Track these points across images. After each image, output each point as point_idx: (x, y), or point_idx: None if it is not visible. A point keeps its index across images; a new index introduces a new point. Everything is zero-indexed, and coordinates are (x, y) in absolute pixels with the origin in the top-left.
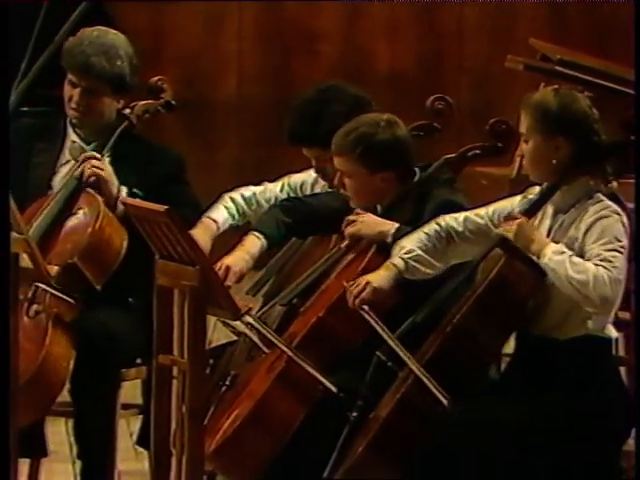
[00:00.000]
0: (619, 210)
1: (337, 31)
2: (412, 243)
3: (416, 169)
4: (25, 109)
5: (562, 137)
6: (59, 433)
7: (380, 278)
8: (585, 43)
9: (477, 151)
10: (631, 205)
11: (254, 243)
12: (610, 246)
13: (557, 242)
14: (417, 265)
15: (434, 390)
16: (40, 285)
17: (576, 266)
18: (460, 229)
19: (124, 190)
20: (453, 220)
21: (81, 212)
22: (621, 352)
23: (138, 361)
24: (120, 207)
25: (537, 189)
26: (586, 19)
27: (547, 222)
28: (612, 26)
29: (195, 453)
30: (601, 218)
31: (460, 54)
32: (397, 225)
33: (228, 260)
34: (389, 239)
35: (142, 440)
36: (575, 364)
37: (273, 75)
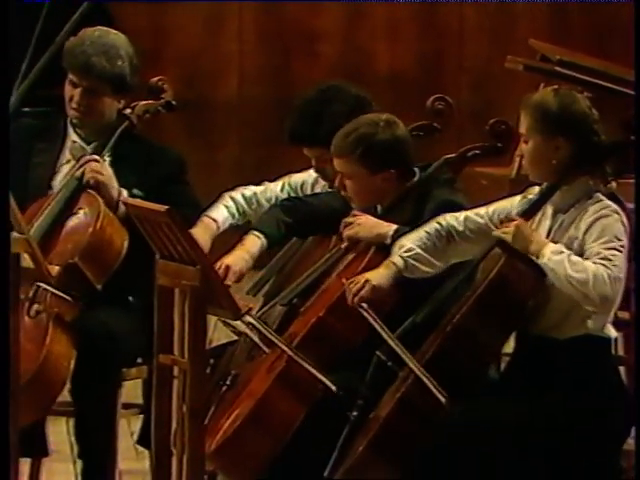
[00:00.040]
0: (618, 210)
1: (337, 31)
2: (412, 242)
3: (416, 169)
4: (26, 109)
5: (562, 137)
6: (60, 433)
7: (379, 276)
8: (585, 43)
9: (477, 151)
10: (631, 205)
11: (254, 243)
12: (610, 245)
13: (557, 242)
14: (416, 264)
15: (432, 388)
16: (41, 285)
17: (575, 265)
18: (461, 228)
19: (124, 192)
20: (454, 219)
21: (82, 212)
22: (620, 352)
23: (139, 361)
24: (122, 209)
25: (537, 189)
26: (586, 19)
27: (547, 222)
28: (612, 26)
29: (196, 453)
30: (601, 217)
31: (460, 54)
32: (395, 227)
33: (228, 259)
34: (388, 241)
35: (143, 439)
36: (575, 364)
37: (273, 75)
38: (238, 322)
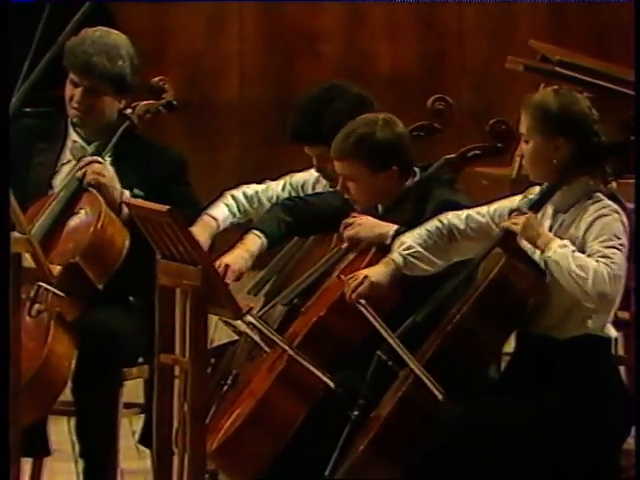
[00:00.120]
0: (618, 209)
1: (338, 32)
2: (412, 239)
3: (416, 169)
4: (27, 110)
5: (562, 137)
6: (61, 432)
7: (378, 273)
8: (585, 44)
9: (477, 151)
10: (631, 205)
11: (254, 242)
12: (610, 243)
13: None
14: (416, 262)
15: (428, 384)
16: (42, 284)
17: (578, 260)
18: (462, 227)
19: (126, 193)
20: (455, 217)
21: (83, 212)
22: (620, 351)
23: (140, 360)
24: (124, 211)
25: (537, 189)
26: (585, 19)
27: (547, 222)
28: (612, 27)
29: (197, 452)
30: (601, 216)
31: (461, 55)
32: (395, 227)
33: (227, 258)
34: (388, 241)
35: (144, 439)
36: (575, 363)
37: (275, 76)
38: (239, 322)
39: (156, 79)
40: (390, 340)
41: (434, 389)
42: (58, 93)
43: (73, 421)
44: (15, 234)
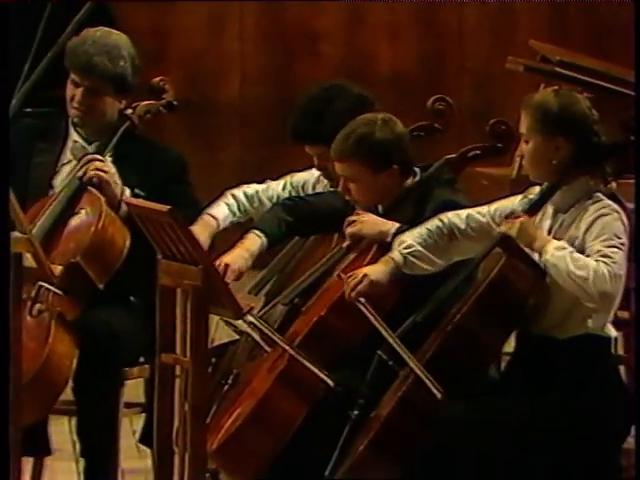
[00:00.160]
0: (618, 209)
1: (339, 32)
2: (412, 238)
3: (417, 169)
4: (28, 110)
5: (562, 138)
6: (62, 431)
7: (378, 271)
8: (585, 44)
9: (477, 151)
10: (631, 205)
11: (254, 241)
12: (610, 242)
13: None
14: (416, 261)
15: (427, 381)
16: (43, 284)
17: (577, 262)
18: (463, 226)
19: (127, 191)
20: (456, 217)
21: (83, 212)
22: (620, 351)
23: (141, 360)
24: (124, 208)
25: (537, 189)
26: (586, 19)
27: (547, 222)
28: (612, 27)
29: (198, 451)
30: (601, 216)
31: (461, 55)
32: (397, 225)
33: (227, 258)
34: (390, 239)
35: (145, 438)
36: (575, 363)
37: (275, 76)
38: (240, 321)
39: (156, 79)
40: (389, 339)
41: (432, 387)
42: (59, 93)
43: (74, 420)
44: (16, 234)
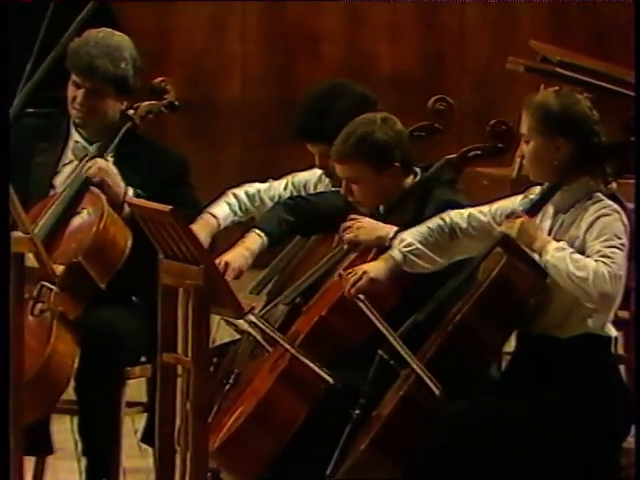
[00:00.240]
0: (619, 209)
1: (340, 33)
2: (413, 236)
3: (417, 170)
4: (30, 110)
5: (563, 138)
6: (64, 430)
7: (377, 269)
8: (585, 44)
9: (478, 152)
10: (631, 205)
11: (255, 240)
12: (610, 243)
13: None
14: (415, 259)
15: (425, 379)
16: (45, 284)
17: (577, 262)
18: (464, 225)
19: (130, 191)
20: (458, 216)
21: (85, 212)
22: (620, 350)
23: (143, 359)
24: (126, 208)
25: (538, 189)
26: (586, 20)
27: (548, 222)
28: (612, 27)
29: (199, 450)
30: (601, 216)
31: (461, 56)
32: (395, 228)
33: (227, 256)
34: (388, 243)
35: (147, 438)
36: (575, 362)
37: (276, 76)
38: (241, 321)
39: (158, 80)
40: (388, 336)
41: (431, 384)
42: (61, 93)
43: (76, 420)
44: (18, 234)
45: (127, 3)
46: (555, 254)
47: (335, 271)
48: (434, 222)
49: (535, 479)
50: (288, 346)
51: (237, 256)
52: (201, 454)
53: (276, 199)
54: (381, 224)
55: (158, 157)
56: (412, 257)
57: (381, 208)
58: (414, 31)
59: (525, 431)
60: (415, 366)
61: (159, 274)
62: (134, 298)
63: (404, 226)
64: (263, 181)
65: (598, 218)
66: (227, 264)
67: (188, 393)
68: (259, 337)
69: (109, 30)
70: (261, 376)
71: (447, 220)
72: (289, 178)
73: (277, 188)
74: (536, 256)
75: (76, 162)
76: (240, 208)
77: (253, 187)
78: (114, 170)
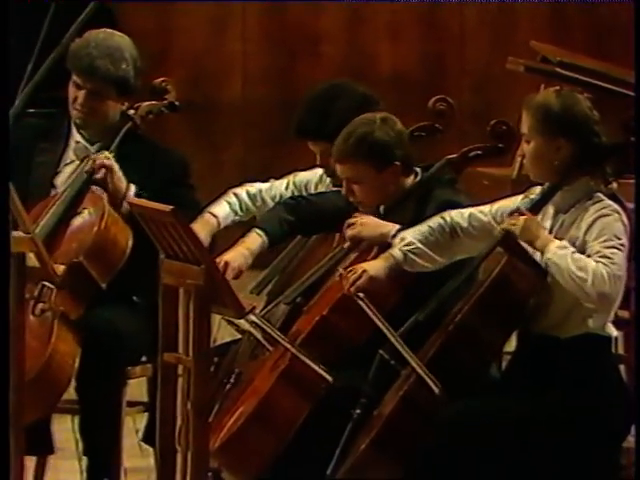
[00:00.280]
0: (619, 209)
1: (340, 33)
2: (413, 235)
3: (418, 170)
4: (31, 110)
5: (563, 138)
6: (65, 430)
7: (377, 267)
8: (585, 44)
9: (478, 152)
10: (631, 205)
11: (255, 240)
12: (610, 243)
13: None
14: (416, 258)
15: (425, 377)
16: (46, 284)
17: (577, 262)
18: (465, 224)
19: (132, 188)
20: (458, 215)
21: (86, 212)
22: (621, 350)
23: (143, 359)
24: (125, 206)
25: (538, 189)
26: (586, 20)
27: (548, 222)
28: (612, 27)
29: (200, 450)
30: (601, 216)
31: (462, 56)
32: (398, 226)
33: (228, 256)
34: (390, 240)
35: (148, 437)
36: (575, 362)
37: (277, 76)
38: (242, 321)
39: (158, 80)
40: (388, 334)
41: (431, 383)
42: (62, 94)
43: (77, 419)
44: (19, 233)
45: (127, 3)
46: (557, 252)
47: (336, 271)
48: (435, 221)
49: (535, 479)
50: (289, 346)
51: (237, 256)
52: (202, 454)
53: (277, 199)
54: (384, 222)
55: (159, 157)
56: (412, 256)
57: (381, 208)
58: (414, 31)
59: (525, 431)
60: (415, 366)
61: (160, 274)
62: (135, 298)
63: (405, 226)
64: (264, 181)
65: (598, 218)
66: (227, 264)
67: (189, 393)
68: (260, 337)
69: (110, 31)
70: (262, 376)
71: (448, 219)
72: (290, 178)
73: (278, 188)
74: (537, 255)
75: (77, 162)
76: (241, 207)
77: (254, 187)
78: (116, 165)
